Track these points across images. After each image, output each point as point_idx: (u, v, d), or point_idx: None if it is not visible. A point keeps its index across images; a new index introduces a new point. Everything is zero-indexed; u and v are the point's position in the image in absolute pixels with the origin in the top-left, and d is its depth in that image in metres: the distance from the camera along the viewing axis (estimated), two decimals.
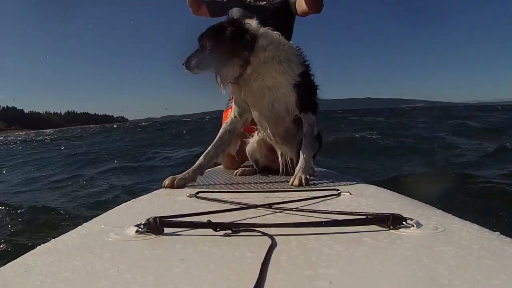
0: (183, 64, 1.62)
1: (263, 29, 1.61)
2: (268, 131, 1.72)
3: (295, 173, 1.56)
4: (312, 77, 1.74)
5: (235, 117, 1.73)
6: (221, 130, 1.72)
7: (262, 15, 1.97)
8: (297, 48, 1.67)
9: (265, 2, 2.29)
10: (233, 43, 1.51)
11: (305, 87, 1.64)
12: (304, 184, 1.48)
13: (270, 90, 1.58)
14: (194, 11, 2.44)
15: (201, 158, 1.62)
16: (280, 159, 1.81)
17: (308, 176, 1.53)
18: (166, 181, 1.46)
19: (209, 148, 1.65)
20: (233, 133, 1.73)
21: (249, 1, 2.32)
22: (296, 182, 1.48)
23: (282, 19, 2.24)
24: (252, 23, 1.59)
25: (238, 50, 1.51)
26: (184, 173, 1.55)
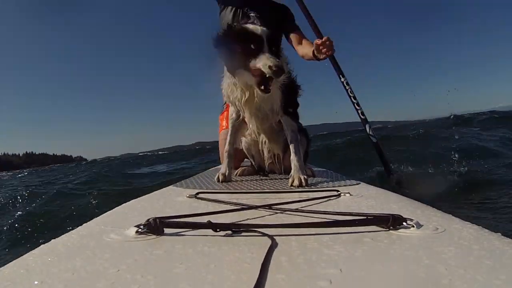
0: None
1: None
2: (255, 128, 1.80)
3: (293, 174, 1.57)
4: (294, 76, 1.81)
5: (236, 111, 1.81)
6: (230, 121, 1.86)
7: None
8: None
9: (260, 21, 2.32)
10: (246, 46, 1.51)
11: (290, 86, 1.71)
12: (304, 184, 1.49)
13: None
14: None
15: (227, 147, 1.83)
16: (265, 155, 1.87)
17: (306, 177, 1.55)
18: (221, 177, 1.71)
19: (228, 138, 1.85)
20: (240, 121, 1.85)
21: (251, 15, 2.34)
22: (296, 182, 1.50)
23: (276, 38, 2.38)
24: (250, 25, 1.61)
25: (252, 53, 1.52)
26: (224, 167, 1.77)
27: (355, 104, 3.10)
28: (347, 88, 3.06)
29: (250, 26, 1.53)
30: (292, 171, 1.62)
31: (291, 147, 1.70)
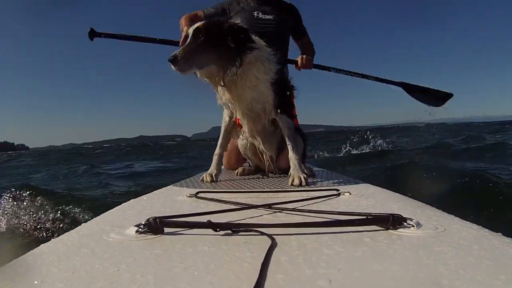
0: (169, 61, 1.43)
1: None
2: (248, 130, 1.77)
3: (292, 173, 1.57)
4: (286, 75, 1.79)
5: (229, 114, 1.82)
6: (222, 126, 1.86)
7: (268, 27, 2.21)
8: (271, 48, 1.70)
9: (272, 16, 2.33)
10: (235, 41, 1.50)
11: (281, 84, 1.69)
12: (304, 183, 1.49)
13: (250, 89, 1.59)
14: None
15: (217, 150, 1.83)
16: (263, 156, 1.86)
17: (305, 175, 1.54)
18: (208, 178, 1.69)
19: (219, 141, 1.84)
20: (232, 123, 1.85)
21: (257, 15, 2.34)
22: (296, 181, 1.50)
23: (284, 33, 2.40)
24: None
25: (238, 49, 1.50)
26: (213, 167, 1.77)
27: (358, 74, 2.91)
28: (341, 70, 2.90)
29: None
30: (291, 169, 1.61)
31: (289, 145, 1.67)
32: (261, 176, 1.92)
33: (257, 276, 0.50)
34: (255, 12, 2.34)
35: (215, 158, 1.80)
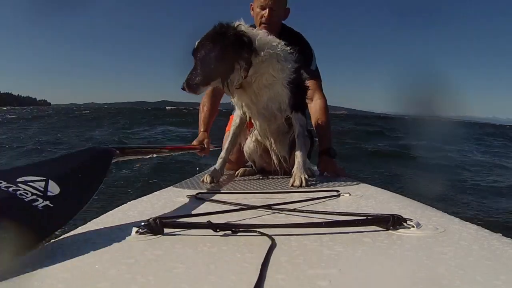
0: (183, 89, 1.54)
1: (255, 30, 1.62)
2: (262, 129, 1.77)
3: (294, 173, 1.57)
4: (303, 75, 1.79)
5: (241, 116, 1.80)
6: (232, 127, 1.84)
7: None
8: (289, 47, 1.68)
9: None
10: (235, 47, 1.50)
11: (297, 84, 1.68)
12: (304, 185, 1.49)
13: (267, 88, 1.60)
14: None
15: (223, 154, 1.80)
16: (273, 157, 1.85)
17: (307, 176, 1.54)
18: (208, 179, 1.65)
19: (226, 145, 1.81)
20: (241, 127, 1.84)
21: None
22: (297, 182, 1.50)
23: None
24: (243, 25, 1.58)
25: (241, 54, 1.51)
26: (213, 170, 1.74)
27: None
28: None
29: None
30: (294, 168, 1.60)
31: (297, 142, 1.67)
32: (261, 177, 1.91)
33: (257, 276, 0.50)
34: None
35: (219, 161, 1.77)
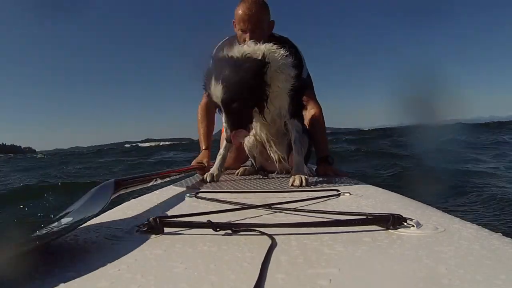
0: (229, 142, 1.57)
1: (262, 48, 1.60)
2: (261, 131, 1.81)
3: (293, 174, 1.57)
4: (301, 80, 1.79)
5: None
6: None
7: None
8: (286, 52, 1.67)
9: None
10: (261, 78, 1.51)
11: (297, 90, 1.70)
12: (304, 184, 1.49)
13: (276, 98, 1.63)
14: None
15: (222, 150, 1.81)
16: (272, 155, 1.88)
17: (306, 176, 1.56)
18: (208, 178, 1.66)
19: (224, 142, 1.78)
20: None
21: None
22: (297, 182, 1.50)
23: None
24: (251, 46, 1.57)
25: (266, 79, 1.53)
26: (215, 168, 1.75)
27: None
28: None
29: (211, 85, 1.49)
30: (293, 169, 1.64)
31: (294, 147, 1.71)
32: (261, 176, 1.92)
33: (257, 276, 0.50)
34: None
35: (218, 158, 1.80)
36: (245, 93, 1.48)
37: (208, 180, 1.67)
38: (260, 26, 1.97)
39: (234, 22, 2.04)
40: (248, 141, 1.98)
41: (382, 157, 8.14)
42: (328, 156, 2.04)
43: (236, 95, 1.47)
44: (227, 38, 2.17)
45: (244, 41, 1.96)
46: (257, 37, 1.95)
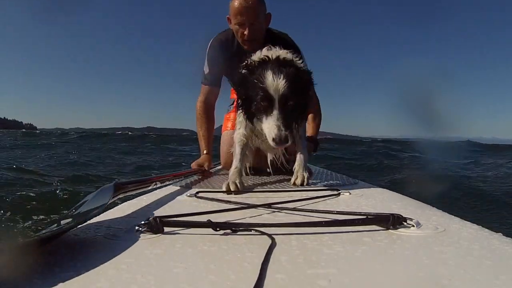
0: (276, 144, 1.36)
1: (277, 53, 1.55)
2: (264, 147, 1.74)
3: (296, 171, 1.56)
4: (313, 85, 1.74)
5: (246, 134, 1.70)
6: (238, 144, 1.70)
7: None
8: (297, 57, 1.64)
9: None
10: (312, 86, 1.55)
11: (307, 103, 1.64)
12: (306, 183, 1.48)
13: None
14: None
15: (237, 163, 1.62)
16: (272, 156, 1.81)
17: (308, 175, 1.55)
18: (232, 186, 1.39)
19: (238, 155, 1.65)
20: (247, 144, 1.73)
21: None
22: (298, 181, 1.48)
23: None
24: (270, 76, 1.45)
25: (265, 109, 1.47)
26: (236, 177, 1.52)
27: None
28: None
29: (268, 79, 1.37)
30: (296, 166, 1.60)
31: (298, 142, 1.64)
32: (261, 176, 1.91)
33: (257, 275, 0.50)
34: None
35: (235, 171, 1.59)
36: (301, 95, 1.44)
37: (231, 189, 1.39)
38: (258, 19, 1.92)
39: (228, 17, 2.00)
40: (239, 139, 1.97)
41: None
42: (314, 138, 2.07)
43: (295, 93, 1.38)
44: (223, 31, 2.14)
45: (243, 35, 1.93)
46: (256, 31, 1.94)
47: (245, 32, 1.93)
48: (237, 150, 1.68)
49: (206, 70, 2.18)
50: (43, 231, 0.71)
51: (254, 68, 1.46)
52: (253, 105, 1.46)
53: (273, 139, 1.33)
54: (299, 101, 1.43)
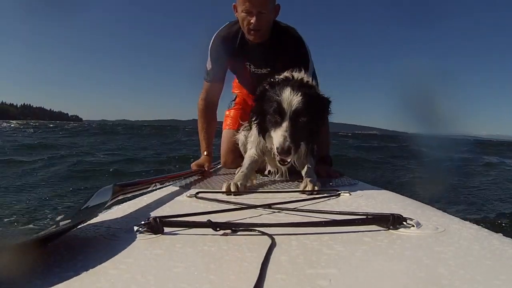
0: (279, 153, 1.37)
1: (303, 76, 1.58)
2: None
3: (306, 178, 1.48)
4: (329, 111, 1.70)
5: (258, 154, 1.70)
6: (249, 158, 1.70)
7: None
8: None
9: (268, 69, 2.09)
10: (327, 112, 1.57)
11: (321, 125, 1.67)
12: (317, 188, 1.37)
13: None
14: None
15: (245, 170, 1.60)
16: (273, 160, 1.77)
17: (319, 184, 1.44)
18: (232, 187, 1.37)
19: (248, 166, 1.63)
20: (258, 161, 1.72)
21: (254, 71, 2.15)
22: (309, 187, 1.37)
23: None
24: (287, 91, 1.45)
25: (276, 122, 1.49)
26: (240, 178, 1.49)
27: None
28: None
29: (285, 93, 1.41)
30: (305, 173, 1.55)
31: (307, 166, 1.60)
32: (261, 177, 1.91)
33: (257, 275, 0.50)
34: (247, 64, 2.12)
35: (241, 174, 1.55)
36: (314, 118, 1.46)
37: (231, 190, 1.37)
38: (267, 8, 1.86)
39: (235, 5, 1.93)
40: (241, 139, 1.96)
41: None
42: (327, 156, 2.02)
43: (308, 110, 1.41)
44: (226, 25, 2.09)
45: (249, 23, 1.87)
46: (264, 21, 1.87)
47: (252, 21, 1.86)
48: (246, 161, 1.69)
49: (208, 66, 2.13)
50: (42, 232, 0.71)
51: (275, 84, 1.50)
52: (267, 118, 1.48)
53: (277, 148, 1.35)
54: (312, 122, 1.45)
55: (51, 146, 10.81)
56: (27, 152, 8.72)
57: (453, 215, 0.93)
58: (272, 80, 1.56)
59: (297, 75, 1.56)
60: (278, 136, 1.38)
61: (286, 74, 1.57)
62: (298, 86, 1.45)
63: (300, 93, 1.40)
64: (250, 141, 1.74)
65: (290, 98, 1.40)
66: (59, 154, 8.30)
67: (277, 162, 1.47)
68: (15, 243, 0.61)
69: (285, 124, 1.38)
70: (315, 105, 1.46)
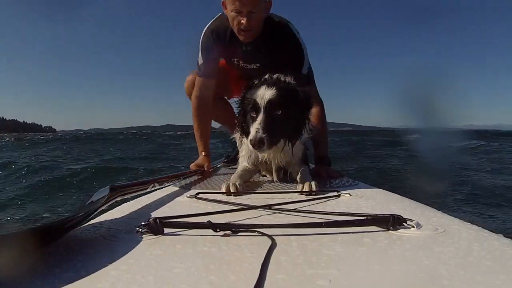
0: (253, 146, 1.37)
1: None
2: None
3: (302, 180, 1.48)
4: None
5: (252, 166, 1.71)
6: (242, 167, 1.70)
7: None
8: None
9: (258, 65, 2.09)
10: (308, 109, 1.57)
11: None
12: (314, 189, 1.40)
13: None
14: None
15: (240, 171, 1.63)
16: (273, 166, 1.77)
17: (316, 182, 1.42)
18: (231, 188, 1.36)
19: (239, 174, 1.61)
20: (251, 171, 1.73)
21: (243, 66, 2.14)
22: (306, 188, 1.37)
23: None
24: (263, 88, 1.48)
25: (309, 116, 1.58)
26: (236, 178, 1.50)
27: None
28: None
29: (260, 90, 1.43)
30: (300, 176, 1.54)
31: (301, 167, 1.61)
32: (261, 177, 1.91)
33: (257, 276, 0.50)
34: (235, 60, 2.11)
35: (236, 175, 1.56)
36: (292, 111, 1.46)
37: (230, 190, 1.36)
38: (257, 7, 1.77)
39: (223, 2, 1.83)
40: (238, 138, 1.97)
41: None
42: (325, 157, 2.01)
43: (284, 102, 1.42)
44: (215, 18, 2.00)
45: (239, 24, 1.79)
46: (255, 21, 1.78)
47: (243, 21, 1.78)
48: (240, 168, 1.70)
49: (200, 61, 2.06)
50: (41, 224, 0.70)
51: (253, 85, 1.52)
52: (247, 119, 1.50)
53: (250, 140, 1.37)
54: (290, 115, 1.45)
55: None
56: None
57: (453, 215, 0.93)
58: (250, 84, 1.59)
59: (276, 76, 1.57)
60: (252, 129, 1.41)
61: (265, 76, 1.59)
62: (273, 83, 1.47)
63: (274, 88, 1.43)
64: (241, 155, 1.75)
65: (264, 93, 1.42)
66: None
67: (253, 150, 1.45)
68: (14, 243, 0.61)
69: (259, 118, 1.40)
70: (292, 99, 1.46)
